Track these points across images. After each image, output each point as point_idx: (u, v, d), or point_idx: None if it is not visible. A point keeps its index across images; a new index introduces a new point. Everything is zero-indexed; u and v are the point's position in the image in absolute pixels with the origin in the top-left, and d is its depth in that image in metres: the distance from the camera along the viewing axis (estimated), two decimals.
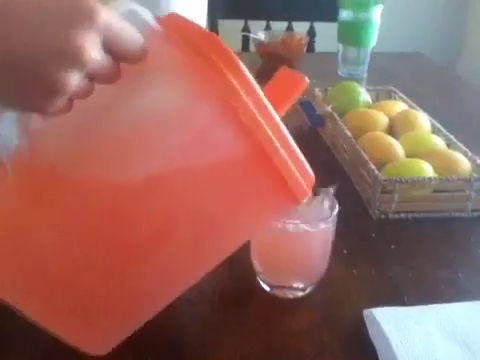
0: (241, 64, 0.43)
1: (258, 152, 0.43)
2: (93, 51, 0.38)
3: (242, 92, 0.42)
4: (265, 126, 0.43)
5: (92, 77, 0.40)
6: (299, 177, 0.46)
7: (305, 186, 0.47)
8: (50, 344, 0.49)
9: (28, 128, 0.44)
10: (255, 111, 0.43)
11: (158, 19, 0.46)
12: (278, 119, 0.44)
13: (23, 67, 0.38)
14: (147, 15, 0.44)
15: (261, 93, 0.43)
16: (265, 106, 0.44)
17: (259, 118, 0.43)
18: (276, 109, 0.45)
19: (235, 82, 0.42)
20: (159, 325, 0.52)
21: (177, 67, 0.44)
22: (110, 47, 0.40)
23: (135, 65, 0.43)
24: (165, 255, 0.47)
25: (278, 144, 0.44)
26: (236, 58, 0.43)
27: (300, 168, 0.46)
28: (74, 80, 0.39)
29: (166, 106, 0.44)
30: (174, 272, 0.49)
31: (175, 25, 0.46)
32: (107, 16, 0.39)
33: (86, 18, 0.38)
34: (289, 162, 0.45)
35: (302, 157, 0.46)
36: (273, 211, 0.52)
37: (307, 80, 0.50)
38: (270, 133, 0.43)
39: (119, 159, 0.44)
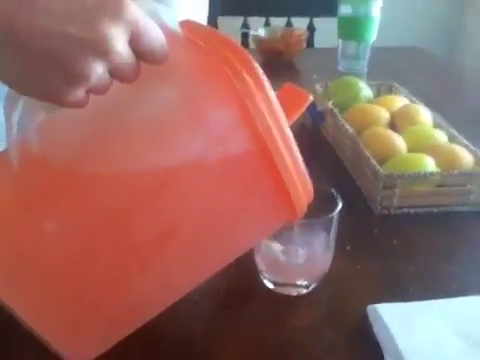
0: (259, 70, 0.43)
1: (265, 160, 0.44)
2: (119, 44, 0.38)
3: (260, 100, 0.42)
4: (276, 135, 0.43)
5: (113, 73, 0.40)
6: (301, 190, 0.46)
7: (304, 200, 0.47)
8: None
9: (38, 121, 0.44)
10: (269, 119, 0.43)
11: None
12: (287, 128, 0.44)
13: (48, 54, 0.37)
14: (169, 16, 0.44)
15: (275, 99, 0.43)
16: (278, 115, 0.44)
17: (272, 127, 0.43)
18: None
19: (255, 89, 0.42)
20: (164, 323, 0.52)
21: (196, 71, 0.44)
22: (135, 44, 0.40)
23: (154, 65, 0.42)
24: (167, 261, 0.46)
25: (286, 155, 0.44)
26: (255, 63, 0.43)
27: (301, 179, 0.46)
28: (97, 71, 0.38)
29: (180, 107, 0.44)
30: (172, 280, 0.49)
31: (192, 29, 0.46)
32: (136, 12, 0.39)
33: (115, 10, 0.38)
34: (293, 173, 0.45)
35: (304, 169, 0.46)
36: (272, 223, 0.52)
37: (311, 98, 0.50)
38: (279, 142, 0.43)
39: (124, 155, 0.44)
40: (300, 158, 0.46)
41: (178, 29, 0.45)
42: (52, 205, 0.44)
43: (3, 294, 0.43)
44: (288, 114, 0.47)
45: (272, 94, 0.43)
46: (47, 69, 0.38)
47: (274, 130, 0.43)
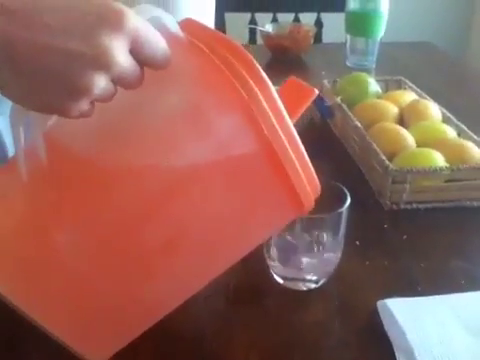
0: (262, 72, 0.43)
1: (272, 160, 0.44)
2: (120, 55, 0.38)
3: (264, 102, 0.42)
4: (282, 136, 0.43)
5: (116, 81, 0.40)
6: (308, 187, 0.47)
7: (312, 196, 0.48)
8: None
9: (44, 128, 0.44)
10: (275, 121, 0.43)
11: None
12: (292, 128, 0.44)
13: (49, 70, 0.37)
14: (170, 21, 0.44)
15: (279, 100, 0.43)
16: (283, 115, 0.44)
17: (278, 128, 0.43)
18: None
19: (258, 92, 0.42)
20: (175, 319, 0.52)
21: (199, 75, 0.44)
22: (136, 52, 0.40)
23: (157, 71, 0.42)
24: (177, 265, 0.47)
25: (292, 154, 0.44)
26: (257, 65, 0.43)
27: (308, 176, 0.46)
28: (99, 83, 0.38)
29: (185, 114, 0.44)
30: (182, 281, 0.49)
31: (194, 31, 0.46)
32: (135, 21, 0.38)
33: (115, 21, 0.37)
34: (300, 171, 0.45)
35: (312, 168, 0.47)
36: (280, 220, 0.52)
37: (316, 92, 0.50)
38: (286, 143, 0.43)
39: (131, 159, 0.44)
40: (305, 154, 0.46)
41: (180, 33, 0.45)
42: (63, 212, 0.44)
43: (19, 301, 0.43)
44: (293, 109, 0.47)
45: (275, 95, 0.43)
46: (49, 85, 0.38)
47: (279, 131, 0.43)
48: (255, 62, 0.43)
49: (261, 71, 0.43)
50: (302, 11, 1.89)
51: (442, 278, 0.65)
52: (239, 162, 0.44)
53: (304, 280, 0.63)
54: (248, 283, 0.64)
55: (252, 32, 1.85)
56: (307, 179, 0.46)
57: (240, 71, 0.42)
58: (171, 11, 0.91)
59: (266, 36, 1.52)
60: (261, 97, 0.42)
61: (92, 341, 0.49)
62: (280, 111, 0.43)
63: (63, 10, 0.37)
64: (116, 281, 0.46)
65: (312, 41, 1.53)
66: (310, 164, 0.46)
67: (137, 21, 0.39)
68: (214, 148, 0.44)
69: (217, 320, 0.59)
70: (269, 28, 1.55)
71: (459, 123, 0.91)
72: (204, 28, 0.47)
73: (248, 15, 1.89)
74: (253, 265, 0.64)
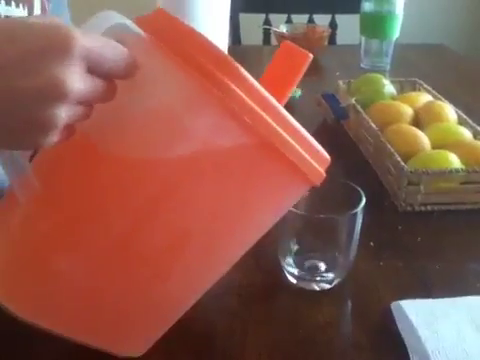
0: (231, 59, 0.42)
1: (267, 145, 0.43)
2: (75, 81, 0.36)
3: (239, 91, 0.41)
4: (269, 120, 0.42)
5: (84, 102, 0.39)
6: (313, 162, 0.46)
7: (320, 169, 0.47)
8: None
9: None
10: (256, 107, 0.42)
11: (145, 18, 0.44)
12: (282, 108, 0.44)
13: (9, 112, 0.36)
14: (132, 26, 0.42)
15: (259, 86, 0.42)
16: (266, 98, 0.43)
17: (262, 113, 0.42)
18: (281, 91, 0.44)
19: (230, 82, 0.41)
20: (187, 318, 0.52)
21: (169, 77, 0.43)
22: (96, 69, 0.38)
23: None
24: (187, 261, 0.47)
25: (286, 134, 0.43)
26: (228, 57, 0.42)
27: (313, 152, 0.46)
28: (63, 113, 0.37)
29: (166, 118, 0.43)
30: (197, 275, 0.50)
31: (161, 28, 0.44)
32: (84, 41, 0.37)
33: (62, 49, 0.36)
34: (300, 149, 0.45)
35: (314, 141, 0.46)
36: (291, 198, 0.52)
37: (311, 56, 0.49)
38: (275, 125, 0.43)
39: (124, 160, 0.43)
40: (302, 130, 0.45)
41: (144, 36, 0.43)
42: (63, 231, 0.44)
43: (45, 324, 0.44)
44: (289, 76, 0.47)
45: (253, 81, 0.42)
46: (11, 126, 0.37)
47: (265, 116, 0.42)
48: (226, 55, 0.42)
49: (233, 62, 0.42)
50: (316, 12, 1.88)
51: (457, 280, 0.65)
52: (235, 154, 0.44)
53: (318, 280, 0.63)
54: (261, 282, 0.64)
55: (266, 33, 1.85)
56: (310, 154, 0.46)
57: (208, 67, 0.40)
58: (187, 13, 0.91)
59: (280, 37, 1.52)
60: (236, 88, 0.41)
61: (123, 340, 0.50)
62: (263, 96, 0.42)
63: (4, 44, 0.36)
64: (130, 286, 0.46)
65: (326, 42, 1.53)
66: (310, 138, 0.46)
67: (87, 40, 0.37)
68: (199, 145, 0.43)
69: (229, 319, 0.59)
70: (283, 29, 1.55)
71: (475, 125, 0.90)
72: (172, 24, 0.45)
73: (262, 16, 1.89)
74: (266, 265, 0.64)
